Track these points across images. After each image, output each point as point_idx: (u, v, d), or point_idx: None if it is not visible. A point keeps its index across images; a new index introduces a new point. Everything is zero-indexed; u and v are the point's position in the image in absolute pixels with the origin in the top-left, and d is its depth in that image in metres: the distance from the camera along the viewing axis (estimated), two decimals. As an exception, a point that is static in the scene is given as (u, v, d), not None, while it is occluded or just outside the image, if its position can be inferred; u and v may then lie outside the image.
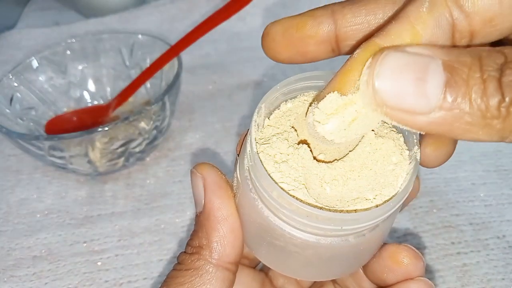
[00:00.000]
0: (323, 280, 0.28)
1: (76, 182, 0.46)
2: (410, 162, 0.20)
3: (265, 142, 0.21)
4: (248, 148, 0.20)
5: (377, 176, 0.20)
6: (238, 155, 0.23)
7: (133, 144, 0.43)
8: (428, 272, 0.36)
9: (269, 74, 0.59)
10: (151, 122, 0.43)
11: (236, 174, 0.22)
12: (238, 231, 0.22)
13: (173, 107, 0.46)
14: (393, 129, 0.21)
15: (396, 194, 0.19)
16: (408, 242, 0.38)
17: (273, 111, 0.22)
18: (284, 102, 0.22)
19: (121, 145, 0.43)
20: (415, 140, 0.20)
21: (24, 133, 0.44)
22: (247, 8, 0.41)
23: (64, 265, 0.39)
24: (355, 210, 0.19)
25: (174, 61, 0.46)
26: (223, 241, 0.21)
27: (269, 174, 0.19)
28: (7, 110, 0.46)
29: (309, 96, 0.22)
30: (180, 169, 0.47)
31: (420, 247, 0.38)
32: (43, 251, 0.41)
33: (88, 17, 0.71)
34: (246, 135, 0.22)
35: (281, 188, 0.19)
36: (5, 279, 0.39)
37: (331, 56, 0.22)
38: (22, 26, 0.73)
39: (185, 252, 0.23)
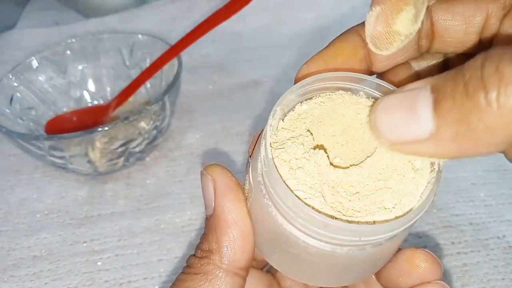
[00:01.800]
0: (335, 287, 0.28)
1: (76, 182, 0.46)
2: (432, 170, 0.19)
3: (279, 147, 0.20)
4: (263, 153, 0.19)
5: (396, 184, 0.19)
6: (250, 157, 0.22)
7: (133, 144, 0.43)
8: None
9: (269, 74, 0.59)
10: (151, 122, 0.43)
11: (249, 177, 0.21)
12: (249, 235, 0.21)
13: (173, 107, 0.46)
14: None
15: (417, 204, 0.19)
16: (408, 242, 0.38)
17: (288, 113, 0.21)
18: (299, 104, 0.21)
19: (121, 145, 0.43)
20: None
21: (24, 133, 0.44)
22: (247, 8, 0.41)
23: (64, 265, 0.39)
24: (373, 221, 0.18)
25: (174, 61, 0.46)
26: (233, 245, 0.21)
27: (284, 181, 0.19)
28: (7, 110, 0.46)
29: (325, 97, 0.21)
30: (180, 169, 0.47)
31: (420, 247, 0.38)
32: (43, 251, 0.41)
33: (88, 17, 0.71)
34: (259, 137, 0.22)
35: (297, 197, 0.18)
36: (5, 279, 0.39)
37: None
38: (22, 26, 0.73)
39: (194, 255, 0.22)
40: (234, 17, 0.41)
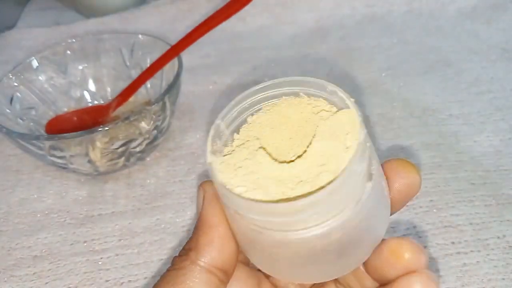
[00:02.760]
0: (321, 281, 0.28)
1: (77, 182, 0.47)
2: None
3: (227, 153, 0.22)
4: (208, 162, 0.21)
5: (334, 165, 0.20)
6: None
7: (134, 144, 0.43)
8: (428, 272, 0.36)
9: (269, 74, 0.59)
10: (152, 122, 0.43)
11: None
12: (227, 239, 0.23)
13: (174, 107, 0.46)
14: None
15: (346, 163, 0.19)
16: (408, 242, 0.38)
17: (242, 126, 0.23)
18: (251, 115, 0.23)
19: (122, 145, 0.43)
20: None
21: (24, 133, 0.44)
22: (247, 8, 0.41)
23: (65, 264, 0.39)
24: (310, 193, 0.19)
25: (175, 61, 0.46)
26: (210, 245, 0.22)
27: (222, 180, 0.20)
28: (7, 110, 0.46)
29: (271, 104, 0.23)
30: (180, 169, 0.47)
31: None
32: (44, 250, 0.41)
33: (88, 17, 0.71)
34: None
35: (230, 191, 0.20)
36: (6, 279, 0.39)
37: None
38: (22, 26, 0.73)
39: (178, 255, 0.24)
40: (234, 17, 0.41)
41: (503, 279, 0.35)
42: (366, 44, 0.63)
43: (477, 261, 0.36)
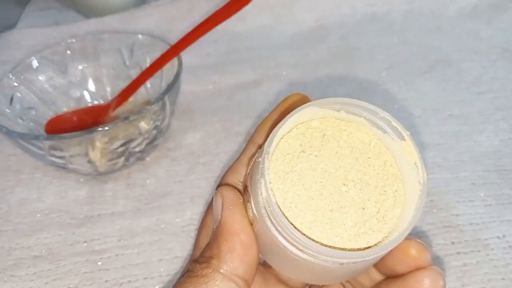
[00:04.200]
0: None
1: (77, 182, 0.47)
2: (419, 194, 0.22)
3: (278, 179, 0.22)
4: (264, 193, 0.21)
5: (385, 210, 0.22)
6: (246, 187, 0.24)
7: (133, 144, 0.43)
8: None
9: (269, 74, 0.59)
10: (151, 122, 0.43)
11: (251, 206, 0.23)
12: (249, 247, 0.23)
13: (173, 107, 0.46)
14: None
15: (395, 234, 0.21)
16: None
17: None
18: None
19: (121, 145, 0.43)
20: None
21: (24, 133, 0.44)
22: (247, 8, 0.41)
23: (65, 264, 0.39)
24: (358, 248, 0.21)
25: (174, 61, 0.46)
26: (232, 253, 0.22)
27: (288, 219, 0.21)
28: (7, 110, 0.46)
29: (317, 122, 0.24)
30: (180, 169, 0.47)
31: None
32: (44, 250, 0.41)
33: (88, 17, 0.71)
34: (253, 166, 0.23)
35: (298, 230, 0.21)
36: (6, 278, 0.39)
37: None
38: (22, 26, 0.73)
39: (197, 261, 0.24)
40: (234, 17, 0.41)
41: (503, 279, 0.35)
42: (366, 44, 0.63)
43: (477, 261, 0.36)
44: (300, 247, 0.20)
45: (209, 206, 0.29)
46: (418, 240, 0.24)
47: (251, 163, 0.24)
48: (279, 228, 0.21)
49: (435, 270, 0.24)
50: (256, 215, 0.22)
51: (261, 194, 0.21)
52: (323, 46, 0.63)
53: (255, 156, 0.24)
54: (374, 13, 0.68)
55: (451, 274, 0.36)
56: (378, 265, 0.26)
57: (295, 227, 0.21)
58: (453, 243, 0.38)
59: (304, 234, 0.21)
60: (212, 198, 0.25)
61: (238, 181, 0.26)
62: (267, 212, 0.21)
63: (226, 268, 0.22)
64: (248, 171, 0.25)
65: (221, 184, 0.26)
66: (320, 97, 0.23)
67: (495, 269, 0.36)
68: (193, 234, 0.41)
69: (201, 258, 0.23)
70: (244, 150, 0.27)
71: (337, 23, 0.67)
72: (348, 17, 0.67)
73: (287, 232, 0.20)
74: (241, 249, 0.22)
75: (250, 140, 0.28)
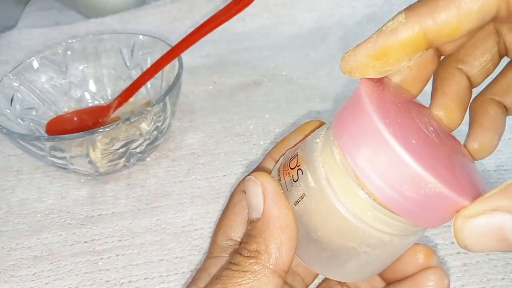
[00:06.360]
0: (355, 281, 0.29)
1: (77, 183, 0.47)
2: None
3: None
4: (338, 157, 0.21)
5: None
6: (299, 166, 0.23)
7: (134, 145, 0.44)
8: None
9: (269, 74, 0.59)
10: (152, 123, 0.43)
11: (305, 183, 0.22)
12: (294, 241, 0.23)
13: (174, 108, 0.46)
14: None
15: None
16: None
17: None
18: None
19: (122, 146, 0.43)
20: None
21: (24, 133, 0.44)
22: (247, 8, 0.41)
23: (65, 265, 0.39)
24: None
25: (175, 62, 0.46)
26: (280, 249, 0.23)
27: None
28: (8, 110, 0.46)
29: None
30: (180, 169, 0.47)
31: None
32: (44, 251, 0.41)
33: (89, 17, 0.71)
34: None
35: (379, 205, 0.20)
36: (6, 279, 0.39)
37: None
38: (22, 26, 0.73)
39: (240, 254, 0.24)
40: (234, 18, 0.41)
41: (503, 279, 0.35)
42: (366, 44, 0.63)
43: (477, 261, 0.36)
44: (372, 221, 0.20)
45: (229, 203, 0.29)
46: (425, 244, 0.25)
47: (299, 143, 0.24)
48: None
49: (441, 270, 0.24)
50: (311, 190, 0.22)
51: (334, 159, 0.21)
52: (323, 46, 0.63)
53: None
54: (374, 13, 0.68)
55: (451, 274, 0.36)
56: (384, 270, 0.26)
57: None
58: (453, 243, 0.38)
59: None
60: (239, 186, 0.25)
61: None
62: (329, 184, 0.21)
63: (275, 264, 0.22)
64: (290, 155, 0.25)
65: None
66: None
67: (495, 269, 0.36)
68: (193, 234, 0.41)
69: (246, 251, 0.23)
70: (262, 163, 0.28)
71: (337, 23, 0.67)
72: (348, 17, 0.67)
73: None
74: (288, 244, 0.23)
75: (268, 154, 0.29)
